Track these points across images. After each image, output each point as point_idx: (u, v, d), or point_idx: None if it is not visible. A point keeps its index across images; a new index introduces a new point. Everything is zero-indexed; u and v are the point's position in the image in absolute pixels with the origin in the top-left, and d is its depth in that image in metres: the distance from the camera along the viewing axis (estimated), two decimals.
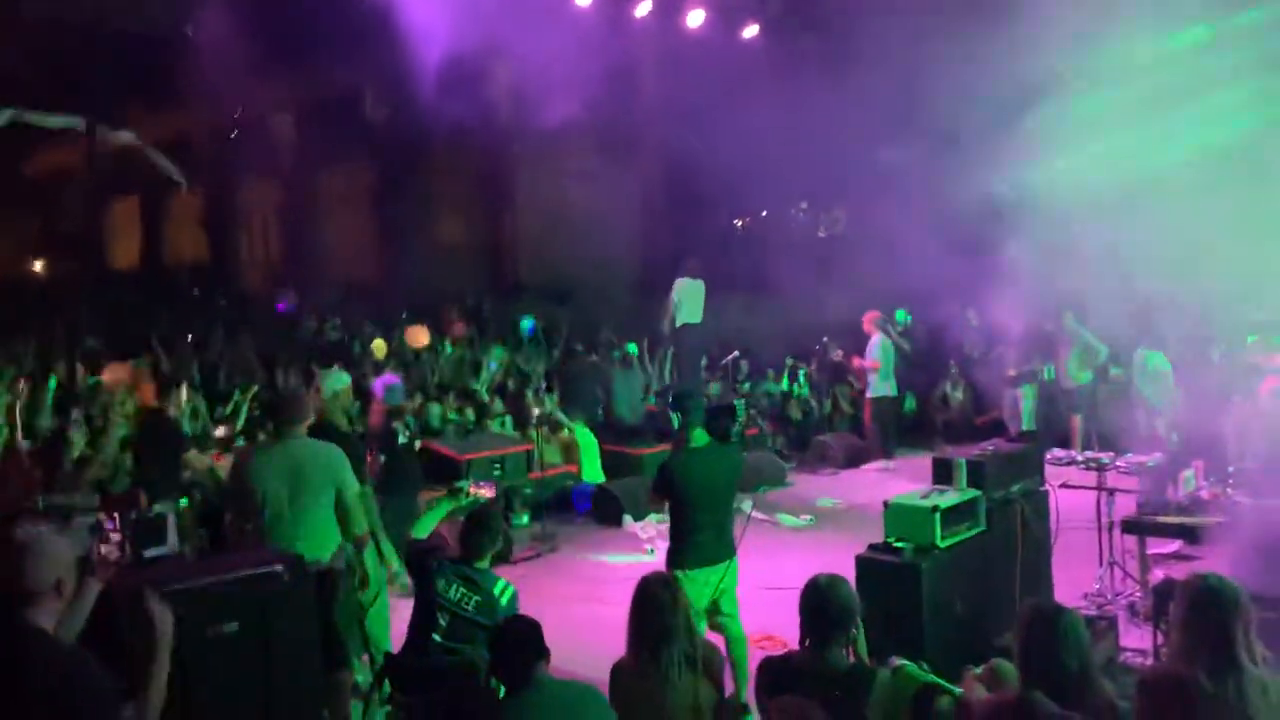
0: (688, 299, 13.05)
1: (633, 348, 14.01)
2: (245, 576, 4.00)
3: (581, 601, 7.70)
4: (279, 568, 4.10)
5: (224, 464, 8.35)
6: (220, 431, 9.28)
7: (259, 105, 17.21)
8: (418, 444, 9.06)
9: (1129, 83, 8.85)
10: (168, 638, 3.15)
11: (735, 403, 6.06)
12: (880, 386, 12.47)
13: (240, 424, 9.58)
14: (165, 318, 14.39)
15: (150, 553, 5.34)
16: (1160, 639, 5.06)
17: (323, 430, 5.88)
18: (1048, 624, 3.30)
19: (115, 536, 5.77)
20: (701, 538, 5.62)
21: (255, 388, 10.19)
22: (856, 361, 12.57)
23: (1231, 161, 7.63)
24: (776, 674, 3.68)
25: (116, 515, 5.87)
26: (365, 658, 5.56)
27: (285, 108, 18.54)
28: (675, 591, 3.87)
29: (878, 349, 12.38)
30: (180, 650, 3.29)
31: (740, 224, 19.96)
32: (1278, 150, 7.38)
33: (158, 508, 5.93)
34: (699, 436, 5.80)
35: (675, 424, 5.96)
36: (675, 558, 5.62)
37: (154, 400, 8.34)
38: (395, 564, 6.23)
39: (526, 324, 13.31)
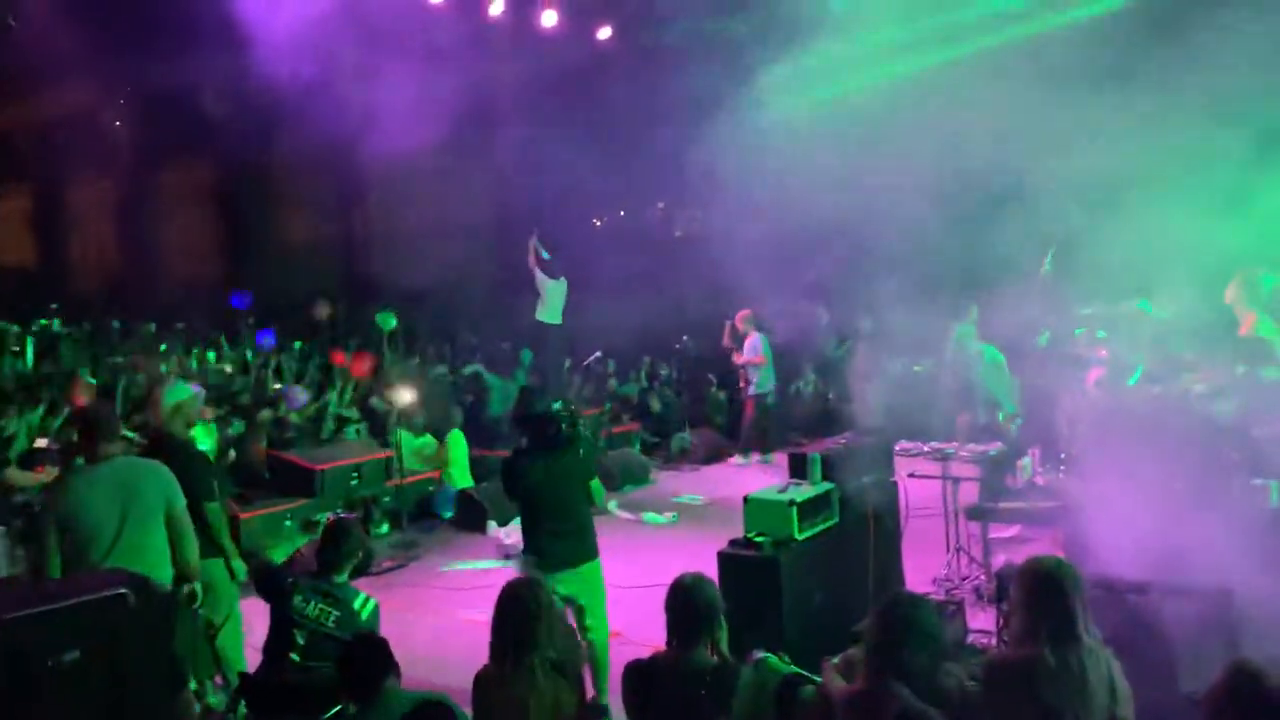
0: (549, 297, 13.05)
1: (526, 354, 14.01)
2: (89, 601, 3.80)
3: (445, 610, 7.61)
4: (124, 590, 3.91)
5: (43, 476, 7.84)
6: (43, 443, 8.69)
7: (90, 99, 16.29)
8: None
9: None
10: None
11: (554, 407, 5.85)
12: (765, 383, 12.63)
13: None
14: None
15: None
16: (1004, 620, 5.33)
17: (165, 444, 5.55)
18: (901, 617, 3.43)
19: None
20: (547, 541, 5.57)
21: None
22: (741, 359, 12.67)
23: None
24: (642, 676, 3.73)
25: None
26: (219, 679, 5.35)
27: (118, 102, 17.59)
28: (539, 595, 3.84)
29: (762, 345, 12.55)
30: (18, 682, 3.11)
31: (598, 223, 20.03)
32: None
33: None
34: (530, 443, 5.80)
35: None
36: (525, 560, 5.61)
37: None
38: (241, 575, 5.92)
39: (389, 321, 13.02)
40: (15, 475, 7.53)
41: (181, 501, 5.00)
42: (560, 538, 5.60)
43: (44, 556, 4.76)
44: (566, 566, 5.54)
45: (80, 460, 5.01)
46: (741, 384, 13.04)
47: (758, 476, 10.63)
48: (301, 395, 11.23)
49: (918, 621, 3.42)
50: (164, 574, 4.87)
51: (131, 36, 13.16)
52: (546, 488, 5.62)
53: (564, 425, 5.71)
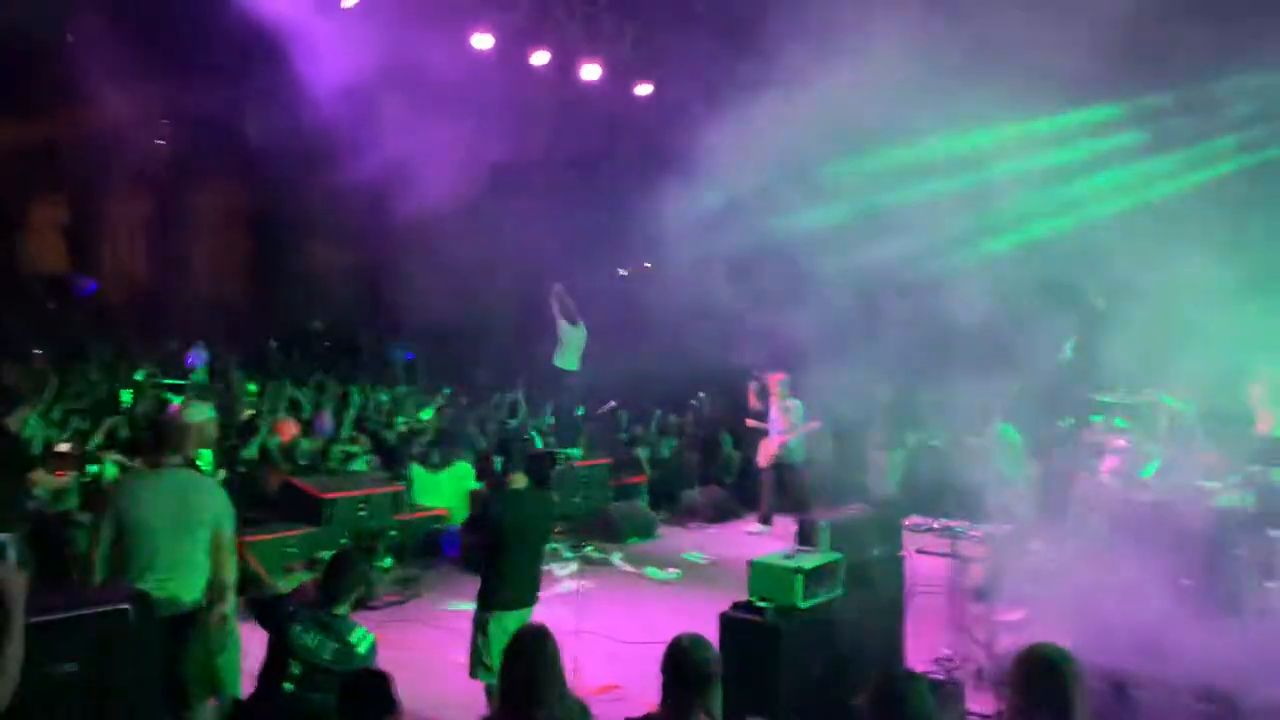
0: (569, 344, 13.11)
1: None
2: (89, 614, 3.82)
3: (440, 650, 7.53)
4: (125, 606, 3.92)
5: (65, 481, 7.88)
6: (65, 447, 8.76)
7: (134, 116, 16.63)
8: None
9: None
10: (18, 601, 3.09)
11: (556, 451, 6.35)
12: (798, 452, 12.07)
13: (95, 443, 9.11)
14: (18, 329, 13.68)
15: None
16: (1004, 705, 5.26)
17: None
18: (894, 696, 3.40)
19: None
20: (514, 579, 5.80)
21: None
22: (783, 426, 12.21)
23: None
24: None
25: None
26: (213, 701, 5.32)
27: (160, 120, 17.94)
28: (550, 645, 3.81)
29: (802, 412, 12.05)
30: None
31: (625, 274, 20.13)
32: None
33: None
34: (519, 479, 5.98)
35: (498, 466, 6.04)
36: (487, 599, 5.75)
37: None
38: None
39: (404, 356, 13.20)
40: (41, 477, 7.58)
41: (231, 523, 5.08)
42: (526, 576, 5.89)
43: (92, 556, 4.79)
44: (529, 604, 5.84)
45: (86, 466, 5.06)
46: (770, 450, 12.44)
47: (764, 540, 10.58)
48: (329, 422, 11.34)
49: (910, 699, 3.38)
50: (199, 588, 4.93)
51: (180, 58, 13.47)
52: (530, 524, 5.90)
53: (554, 467, 6.03)
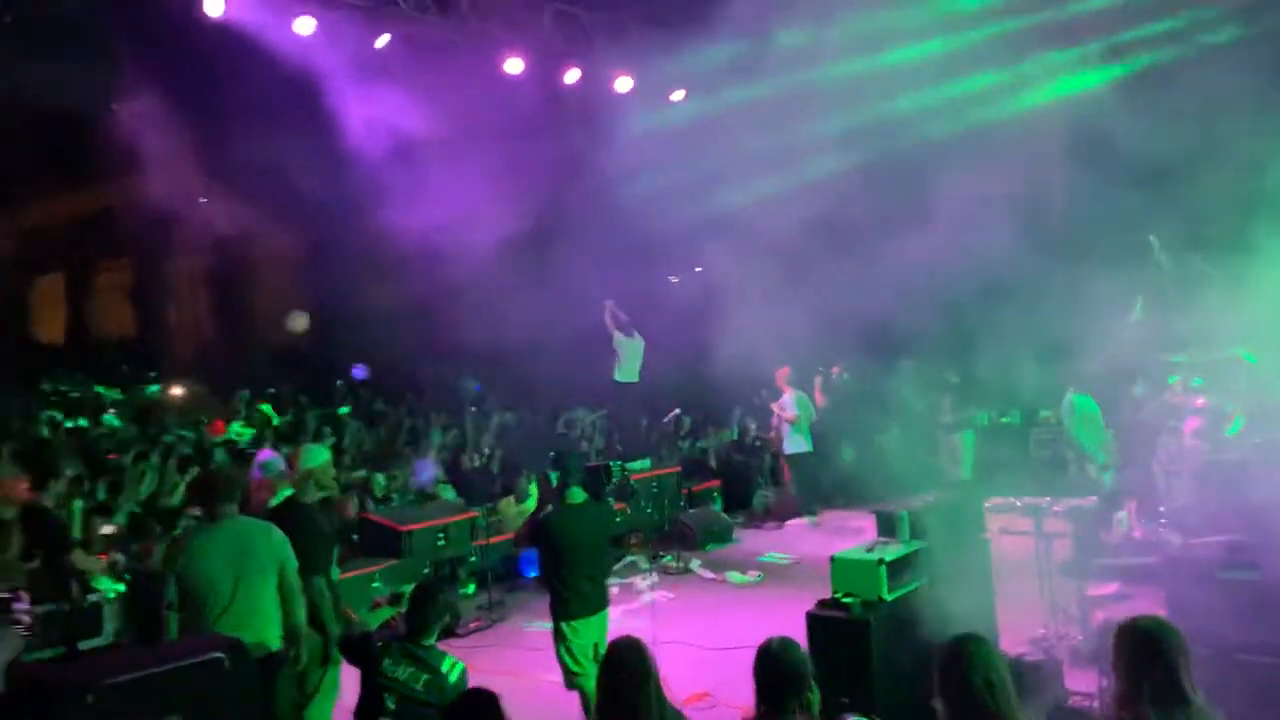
0: (626, 357, 13.15)
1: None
2: (186, 666, 3.89)
3: (529, 671, 7.57)
4: (220, 654, 3.99)
5: (108, 564, 7.84)
6: (107, 530, 8.54)
7: (183, 175, 17.07)
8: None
9: None
10: None
11: (610, 463, 6.43)
12: (797, 442, 12.68)
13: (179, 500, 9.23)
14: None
15: (85, 644, 5.15)
16: (1105, 681, 5.13)
17: (293, 509, 5.69)
18: (956, 652, 3.31)
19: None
20: (582, 589, 5.92)
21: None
22: (777, 418, 12.77)
23: None
24: None
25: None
26: None
27: (209, 178, 18.38)
28: (647, 657, 3.79)
29: (794, 403, 12.60)
30: None
31: (675, 280, 20.11)
32: None
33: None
34: (576, 494, 6.10)
35: (554, 482, 6.21)
36: (561, 609, 5.90)
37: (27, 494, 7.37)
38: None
39: (473, 386, 13.33)
40: (80, 559, 7.35)
41: (293, 563, 5.12)
42: (594, 584, 6.00)
43: (162, 615, 4.86)
44: (597, 611, 5.96)
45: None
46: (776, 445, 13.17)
47: (841, 536, 10.47)
48: (430, 470, 11.45)
49: (971, 657, 3.29)
50: (274, 634, 4.99)
51: (220, 115, 13.79)
52: (590, 537, 6.03)
53: (611, 479, 6.14)
